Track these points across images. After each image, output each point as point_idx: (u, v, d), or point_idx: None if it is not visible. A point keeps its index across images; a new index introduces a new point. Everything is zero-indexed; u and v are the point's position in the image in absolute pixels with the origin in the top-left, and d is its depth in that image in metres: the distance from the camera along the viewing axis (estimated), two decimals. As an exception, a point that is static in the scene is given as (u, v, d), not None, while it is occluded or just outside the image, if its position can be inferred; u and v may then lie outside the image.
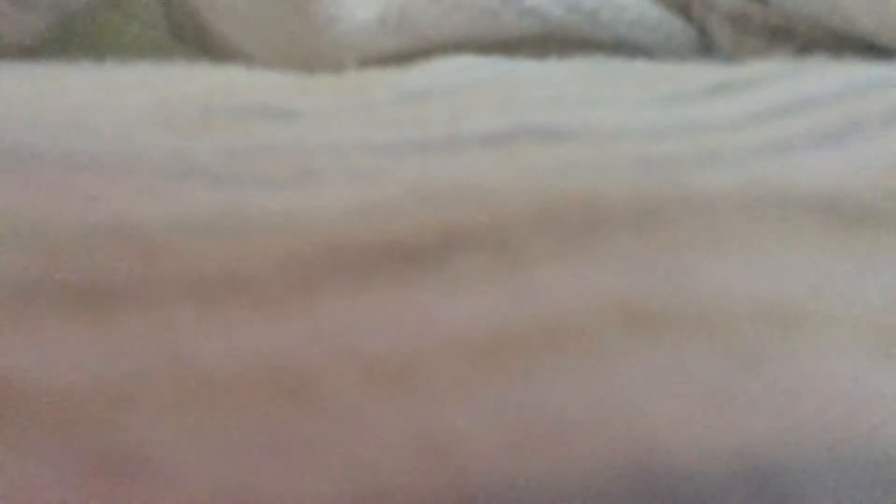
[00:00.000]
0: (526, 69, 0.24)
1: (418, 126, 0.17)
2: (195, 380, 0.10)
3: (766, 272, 0.12)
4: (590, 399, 0.10)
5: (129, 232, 0.12)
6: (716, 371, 0.10)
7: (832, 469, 0.10)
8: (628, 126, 0.17)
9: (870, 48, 0.27)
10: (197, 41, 0.32)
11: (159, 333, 0.11)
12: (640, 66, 0.24)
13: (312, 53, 0.30)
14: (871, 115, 0.16)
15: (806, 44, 0.29)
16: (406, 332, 0.11)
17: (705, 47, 0.33)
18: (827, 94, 0.18)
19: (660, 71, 0.22)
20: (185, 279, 0.11)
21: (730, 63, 0.22)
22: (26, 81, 0.22)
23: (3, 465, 0.09)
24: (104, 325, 0.11)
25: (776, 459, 0.10)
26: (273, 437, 0.10)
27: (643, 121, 0.17)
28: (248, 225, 0.13)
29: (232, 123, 0.17)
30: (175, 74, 0.23)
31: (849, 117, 0.16)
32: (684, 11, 0.34)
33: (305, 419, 0.10)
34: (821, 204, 0.13)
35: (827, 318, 0.11)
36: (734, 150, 0.15)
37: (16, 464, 0.09)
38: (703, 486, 0.09)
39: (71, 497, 0.09)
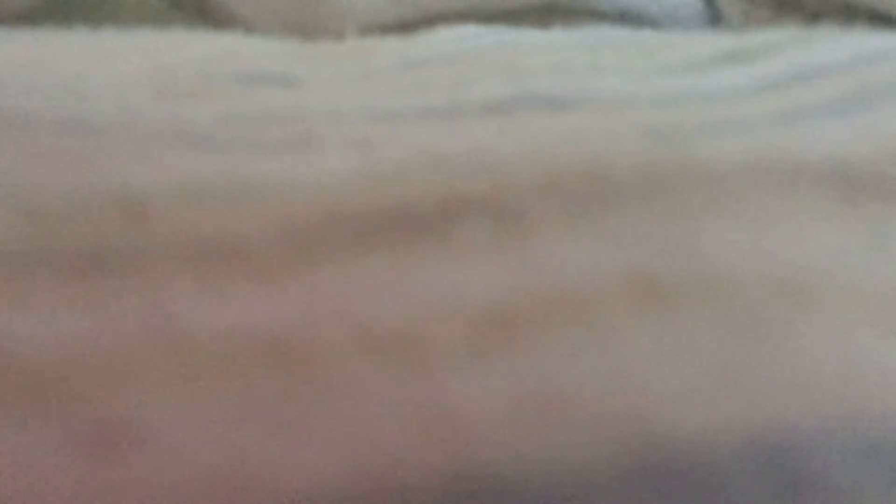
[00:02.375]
0: (530, 38, 0.24)
1: (420, 93, 0.17)
2: (191, 350, 0.10)
3: (775, 242, 0.11)
4: (595, 371, 0.10)
5: (124, 198, 0.12)
6: (724, 343, 0.10)
7: (844, 445, 0.09)
8: (635, 95, 0.16)
9: (878, 18, 0.26)
10: (196, 9, 0.32)
11: (154, 303, 0.10)
12: (646, 36, 0.23)
13: (313, 22, 0.30)
14: (880, 84, 0.16)
15: (815, 13, 0.29)
16: (407, 301, 0.10)
17: (713, 18, 0.33)
18: (836, 64, 0.17)
19: (667, 40, 0.22)
20: (181, 246, 0.11)
21: (738, 32, 0.21)
22: (22, 47, 0.22)
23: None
24: (98, 293, 0.10)
25: (787, 434, 0.09)
26: (270, 409, 0.09)
27: (650, 90, 0.17)
28: (245, 191, 0.12)
29: (230, 89, 0.17)
30: (173, 41, 0.22)
31: (858, 87, 0.16)
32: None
33: (304, 391, 0.10)
34: (830, 173, 0.13)
35: (837, 289, 0.11)
36: (742, 120, 0.15)
37: (8, 435, 0.09)
38: (711, 460, 0.09)
39: (65, 468, 0.09)
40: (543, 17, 0.30)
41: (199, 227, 0.11)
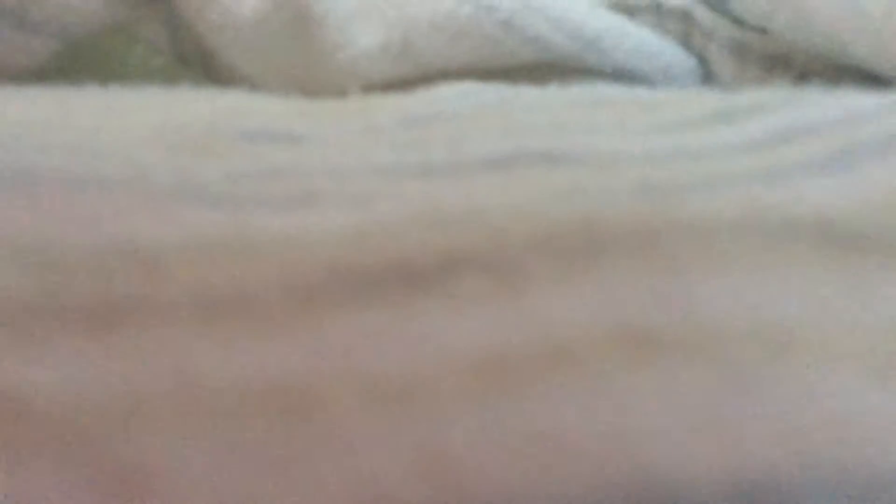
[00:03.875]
0: (528, 95, 0.24)
1: (421, 150, 0.17)
2: (199, 397, 0.10)
3: (762, 296, 0.12)
4: (588, 419, 0.10)
5: (134, 252, 0.12)
6: (713, 393, 0.10)
7: (827, 490, 0.10)
8: (629, 152, 0.17)
9: (867, 77, 0.27)
10: (202, 66, 0.33)
11: (163, 351, 0.11)
12: (640, 94, 0.24)
13: (316, 79, 0.30)
14: (865, 143, 0.16)
15: (804, 72, 0.30)
16: (407, 351, 0.11)
17: (705, 76, 0.33)
18: (825, 122, 0.18)
19: (660, 98, 0.23)
20: (189, 299, 0.12)
21: (729, 91, 0.22)
22: (32, 104, 0.22)
23: (9, 479, 0.09)
24: (110, 343, 0.11)
25: (773, 480, 0.10)
26: (275, 453, 0.10)
27: (643, 147, 0.17)
28: (251, 246, 0.13)
29: (236, 146, 0.18)
30: (180, 98, 0.23)
31: (843, 145, 0.17)
32: (684, 40, 0.34)
33: (307, 436, 0.10)
34: (817, 230, 0.13)
35: (821, 341, 0.11)
36: (733, 177, 0.15)
37: (22, 478, 0.09)
38: (701, 503, 0.10)
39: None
40: (541, 74, 0.31)
41: (206, 281, 0.12)
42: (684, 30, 0.34)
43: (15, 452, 0.10)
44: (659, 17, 0.34)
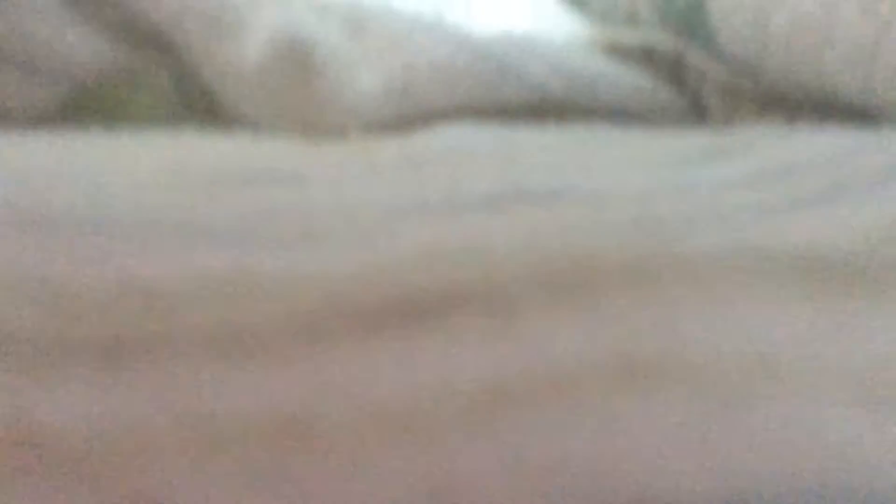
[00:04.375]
0: (524, 135, 0.25)
1: (420, 189, 0.17)
2: (206, 430, 0.11)
3: (747, 327, 0.12)
4: (585, 444, 0.10)
5: (142, 291, 0.13)
6: (701, 418, 0.11)
7: None
8: (623, 189, 0.17)
9: (856, 113, 0.27)
10: (206, 110, 0.33)
11: (172, 386, 0.11)
12: (634, 134, 0.24)
13: (318, 121, 0.31)
14: (854, 179, 0.17)
15: (795, 110, 0.30)
16: (408, 383, 0.11)
17: (699, 116, 0.34)
18: (813, 159, 0.18)
19: (654, 137, 0.23)
20: (198, 334, 0.12)
21: (722, 130, 0.22)
22: (42, 149, 0.23)
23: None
24: (119, 377, 0.11)
25: (759, 500, 0.10)
26: (281, 483, 0.10)
27: (638, 184, 0.18)
28: (255, 284, 0.13)
29: (241, 188, 0.18)
30: (185, 142, 0.23)
31: (833, 181, 0.17)
32: (678, 81, 0.35)
33: (316, 463, 0.10)
34: (799, 262, 0.13)
35: (805, 370, 0.11)
36: (723, 213, 0.16)
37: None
38: None
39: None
40: (537, 115, 0.31)
41: (214, 317, 0.12)
42: (677, 71, 0.35)
43: (28, 484, 0.10)
44: (652, 59, 0.34)
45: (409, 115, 0.31)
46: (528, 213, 0.16)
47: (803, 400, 0.11)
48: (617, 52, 0.35)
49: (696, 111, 0.34)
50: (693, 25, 0.31)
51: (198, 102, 0.34)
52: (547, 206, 0.16)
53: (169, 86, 0.34)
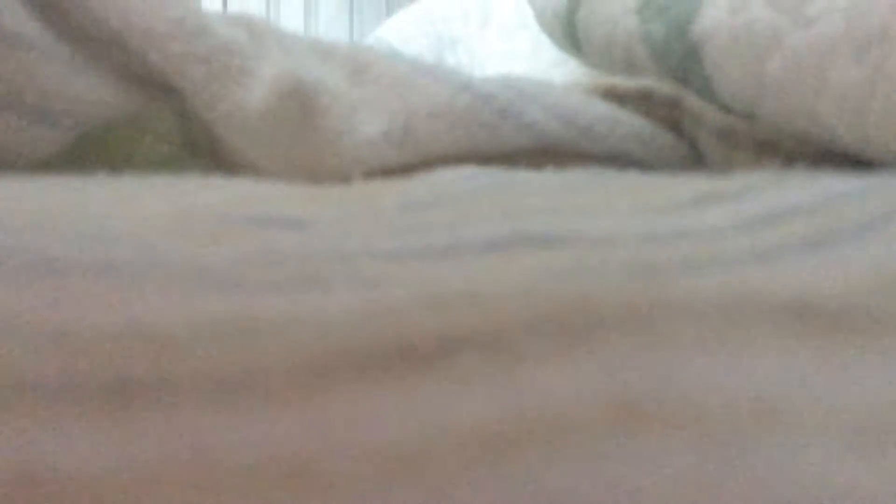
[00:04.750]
0: (524, 179, 0.25)
1: (421, 233, 0.18)
2: (210, 471, 0.11)
3: (746, 373, 0.12)
4: (583, 489, 0.11)
5: (147, 334, 0.13)
6: (698, 463, 0.11)
7: None
8: (621, 233, 0.18)
9: (851, 159, 0.28)
10: (210, 154, 0.34)
11: (177, 429, 0.11)
12: (632, 177, 0.25)
13: (320, 165, 0.31)
14: (846, 224, 0.17)
15: (792, 156, 0.30)
16: (411, 426, 0.11)
17: (696, 160, 0.34)
18: (808, 204, 0.19)
19: (651, 182, 0.24)
20: (201, 378, 0.12)
21: (719, 174, 0.23)
22: (47, 193, 0.23)
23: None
24: (125, 422, 0.11)
25: None
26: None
27: (636, 228, 0.18)
28: (258, 328, 0.13)
29: (244, 232, 0.18)
30: (189, 187, 0.24)
31: (828, 226, 0.17)
32: (675, 126, 0.35)
33: None
34: (797, 308, 0.14)
35: (800, 415, 0.12)
36: (720, 257, 0.16)
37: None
38: None
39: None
40: (537, 159, 0.32)
41: (217, 361, 0.12)
42: (674, 116, 0.35)
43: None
44: (650, 104, 0.35)
45: (409, 158, 0.31)
46: (528, 257, 0.16)
47: (797, 445, 0.11)
48: (615, 97, 0.35)
49: (693, 156, 0.34)
50: (689, 71, 0.31)
51: (202, 147, 0.34)
52: (547, 249, 0.17)
53: (174, 130, 0.34)
